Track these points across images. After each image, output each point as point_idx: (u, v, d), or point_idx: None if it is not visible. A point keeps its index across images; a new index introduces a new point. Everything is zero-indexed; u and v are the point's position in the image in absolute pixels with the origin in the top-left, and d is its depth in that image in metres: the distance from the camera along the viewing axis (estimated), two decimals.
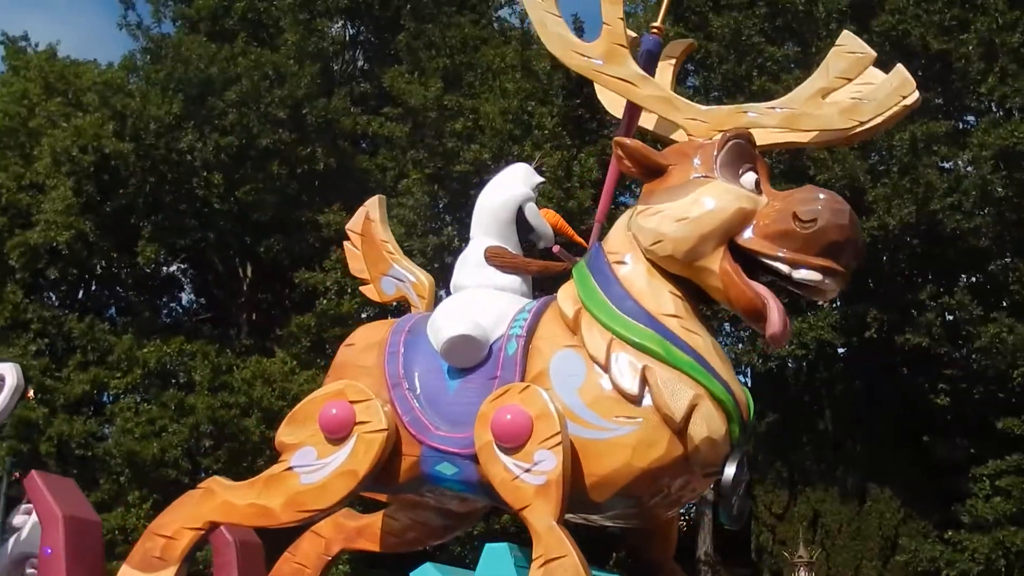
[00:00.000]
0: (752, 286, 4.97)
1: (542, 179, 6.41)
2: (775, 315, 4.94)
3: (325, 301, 26.33)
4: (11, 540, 7.41)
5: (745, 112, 5.52)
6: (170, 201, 27.33)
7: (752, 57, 27.23)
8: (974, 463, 25.09)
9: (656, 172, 5.25)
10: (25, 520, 7.28)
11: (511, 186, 6.05)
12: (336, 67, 31.62)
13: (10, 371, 7.60)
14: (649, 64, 6.09)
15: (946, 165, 26.99)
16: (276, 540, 6.51)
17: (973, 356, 26.37)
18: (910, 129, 24.08)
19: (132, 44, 32.53)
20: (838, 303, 26.44)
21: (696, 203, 5.03)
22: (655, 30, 6.27)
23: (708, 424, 4.92)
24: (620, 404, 4.95)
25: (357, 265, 6.57)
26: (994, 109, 27.48)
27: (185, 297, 32.05)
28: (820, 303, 24.81)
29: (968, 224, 25.03)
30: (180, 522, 5.55)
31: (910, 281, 27.14)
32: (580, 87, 30.96)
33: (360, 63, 32.67)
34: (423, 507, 6.13)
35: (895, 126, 22.25)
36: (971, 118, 28.92)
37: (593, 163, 28.36)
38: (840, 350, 28.55)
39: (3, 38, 31.45)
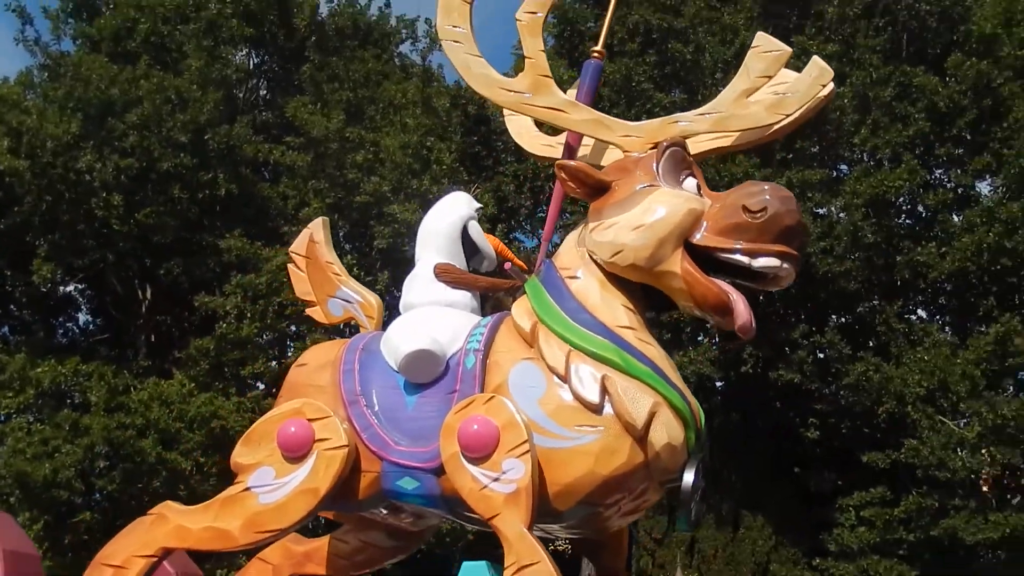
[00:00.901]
0: (715, 282, 5.03)
1: (480, 205, 6.45)
2: (741, 306, 5.01)
3: (225, 325, 26.22)
4: None
5: (676, 122, 5.56)
6: (67, 220, 26.84)
7: (641, 103, 27.59)
8: (841, 494, 25.56)
9: (600, 190, 5.31)
10: None
11: (455, 208, 6.12)
12: (239, 94, 31.45)
13: None
14: (592, 86, 6.21)
15: (820, 211, 27.72)
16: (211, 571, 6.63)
17: (841, 392, 26.90)
18: (787, 175, 24.77)
19: (29, 60, 31.81)
20: (716, 339, 26.97)
21: (648, 211, 5.08)
22: (596, 54, 6.37)
23: (668, 431, 4.96)
24: (581, 413, 4.96)
25: (302, 287, 6.44)
26: (865, 159, 28.38)
27: (82, 317, 31.76)
28: (715, 337, 25.58)
29: (839, 268, 25.76)
30: (130, 550, 5.42)
31: (784, 320, 27.49)
32: (478, 125, 31.59)
33: (263, 92, 32.67)
34: (373, 528, 6.08)
35: (773, 176, 23.69)
36: (844, 167, 29.80)
37: (488, 198, 28.82)
38: (718, 383, 28.71)
39: None
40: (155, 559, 5.42)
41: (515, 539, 4.79)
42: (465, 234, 6.00)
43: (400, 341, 5.44)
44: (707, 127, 5.50)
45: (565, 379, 5.03)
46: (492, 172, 30.32)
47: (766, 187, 5.10)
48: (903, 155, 27.14)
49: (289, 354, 28.25)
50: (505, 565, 4.79)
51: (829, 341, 26.86)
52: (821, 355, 27.65)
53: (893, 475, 25.23)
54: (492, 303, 6.14)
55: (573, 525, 5.35)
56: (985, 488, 25.78)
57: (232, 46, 31.00)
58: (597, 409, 4.94)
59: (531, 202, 31.72)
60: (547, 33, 32.48)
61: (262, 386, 27.69)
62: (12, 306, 29.45)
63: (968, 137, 28.10)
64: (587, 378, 4.96)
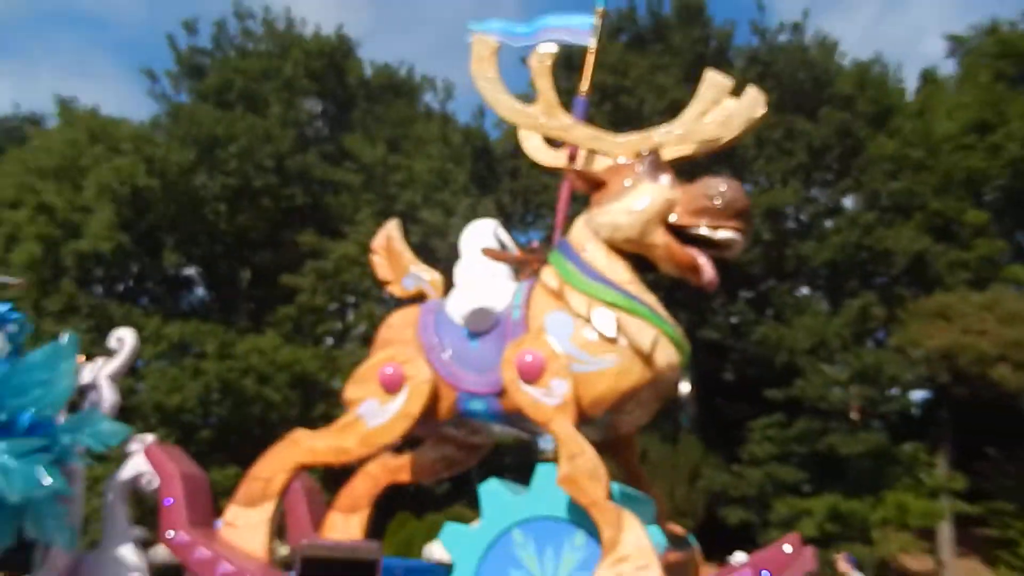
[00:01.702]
0: (687, 249, 5.06)
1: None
2: (707, 266, 5.05)
3: (303, 297, 26.46)
4: (128, 461, 6.75)
5: (651, 136, 5.49)
6: (188, 222, 27.04)
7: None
8: (749, 419, 25.75)
9: (598, 186, 5.34)
10: (139, 447, 6.75)
11: (486, 222, 6.24)
12: (309, 132, 31.55)
13: (129, 334, 7.30)
14: (582, 114, 6.18)
15: None
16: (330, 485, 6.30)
17: (748, 347, 27.02)
18: None
19: (156, 108, 32.01)
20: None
21: (636, 200, 5.12)
22: (583, 93, 6.38)
23: (667, 354, 5.01)
24: (602, 345, 4.95)
25: (382, 272, 6.43)
26: (762, 181, 28.53)
27: (199, 292, 31.54)
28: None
29: (745, 257, 24.98)
30: (275, 466, 5.44)
31: (706, 294, 28.12)
32: (483, 154, 32.08)
33: (326, 130, 32.61)
34: (446, 443, 6.09)
35: None
36: (748, 186, 29.27)
37: (492, 207, 29.32)
38: None
39: (57, 99, 30.93)
40: (293, 472, 5.46)
41: (566, 437, 4.81)
42: (497, 238, 6.07)
43: (465, 302, 5.48)
44: (672, 141, 5.45)
45: (588, 321, 5.03)
46: (493, 188, 30.59)
47: (723, 180, 5.11)
48: (789, 179, 27.62)
49: (349, 318, 28.62)
50: (560, 455, 4.78)
51: (739, 310, 27.34)
52: (734, 320, 27.84)
53: (788, 406, 25.28)
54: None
55: (601, 429, 5.25)
56: (853, 415, 25.91)
57: (303, 97, 31.17)
58: (614, 341, 4.95)
59: (522, 209, 32.22)
60: (529, 87, 33.02)
61: (330, 340, 27.95)
62: (149, 283, 29.33)
63: (836, 167, 28.53)
64: (605, 318, 4.96)
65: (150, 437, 6.88)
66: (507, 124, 33.18)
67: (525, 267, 5.97)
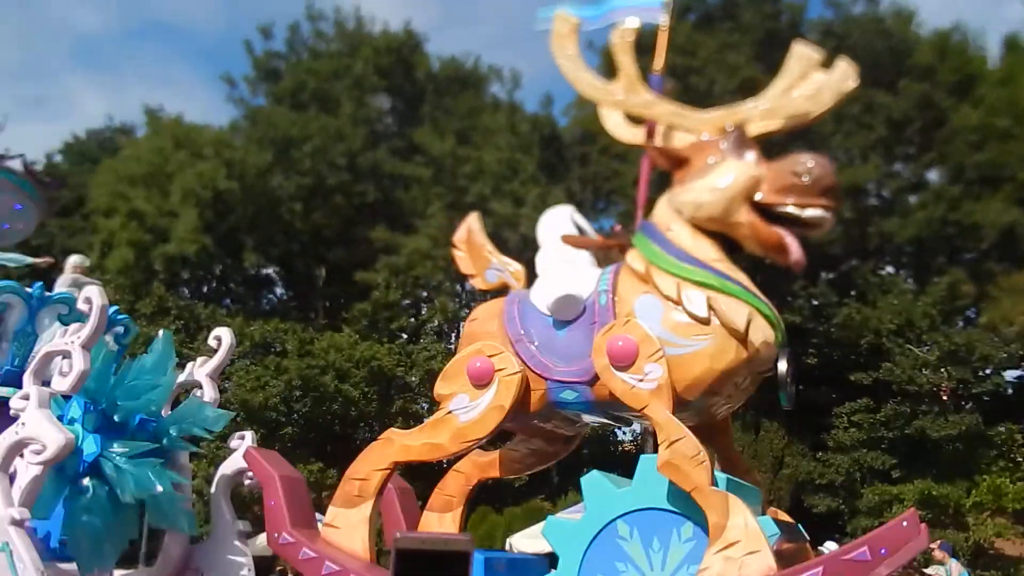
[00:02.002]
0: (773, 228, 4.84)
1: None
2: (794, 245, 4.82)
3: (377, 293, 26.60)
4: (231, 457, 6.85)
5: (736, 112, 5.31)
6: (266, 223, 27.53)
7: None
8: (834, 405, 24.88)
9: (681, 163, 5.13)
10: (240, 443, 6.86)
11: (562, 209, 6.02)
12: (379, 128, 31.71)
13: (226, 333, 7.36)
14: (658, 91, 5.81)
15: None
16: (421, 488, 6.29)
17: (832, 329, 26.15)
18: None
19: (235, 113, 32.97)
20: None
21: (721, 177, 4.91)
22: (657, 70, 6.12)
23: (762, 332, 4.80)
24: (694, 327, 4.76)
25: (465, 265, 6.23)
26: (841, 157, 26.74)
27: (278, 290, 32.06)
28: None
29: (826, 237, 25.06)
30: (370, 466, 5.33)
31: (786, 276, 27.35)
32: (551, 142, 31.60)
33: (396, 126, 32.73)
34: (536, 437, 5.92)
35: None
36: None
37: (562, 195, 28.91)
38: None
39: (145, 109, 31.83)
40: (388, 471, 5.35)
41: (664, 422, 4.62)
42: (574, 223, 5.87)
43: (549, 291, 5.30)
44: (759, 115, 5.24)
45: (678, 303, 4.81)
46: (563, 176, 30.18)
47: (810, 156, 4.88)
48: (869, 154, 26.53)
49: (423, 312, 28.65)
50: (659, 441, 4.58)
51: (821, 292, 26.39)
52: (815, 302, 26.95)
53: (874, 390, 24.36)
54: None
55: (696, 413, 5.04)
56: (944, 397, 24.71)
57: (373, 94, 31.31)
58: (706, 322, 4.75)
59: (592, 196, 31.64)
60: (597, 71, 32.34)
61: (405, 335, 28.05)
62: (231, 284, 30.13)
63: (918, 139, 27.29)
64: (696, 299, 4.76)
65: (250, 435, 6.98)
66: (577, 111, 32.77)
67: (607, 252, 5.77)
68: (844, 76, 5.06)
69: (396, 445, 5.36)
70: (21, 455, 5.41)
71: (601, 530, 4.73)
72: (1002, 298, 24.24)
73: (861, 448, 23.95)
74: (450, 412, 5.19)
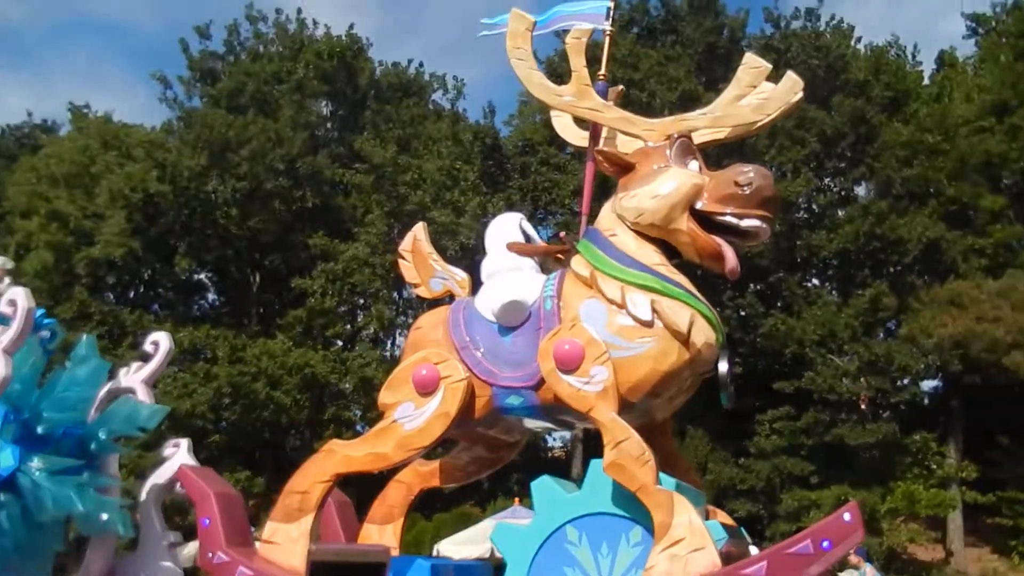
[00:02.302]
0: (711, 237, 4.86)
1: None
2: (730, 254, 4.86)
3: (312, 299, 26.25)
4: (163, 466, 6.66)
5: (683, 119, 5.33)
6: (199, 227, 26.91)
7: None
8: (758, 412, 25.11)
9: (627, 169, 5.12)
10: (174, 451, 6.59)
11: (511, 216, 5.94)
12: (320, 133, 31.31)
13: (164, 338, 7.08)
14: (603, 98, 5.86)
15: None
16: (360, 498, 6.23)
17: (757, 339, 26.32)
18: None
19: (169, 113, 31.86)
20: None
21: (663, 184, 4.91)
22: (602, 76, 6.05)
23: (704, 334, 4.81)
24: (638, 330, 4.75)
25: (410, 274, 6.16)
26: (774, 171, 27.93)
27: (210, 296, 31.63)
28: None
29: (755, 249, 25.49)
30: (311, 479, 5.22)
31: (714, 287, 27.73)
32: (492, 152, 31.37)
33: (337, 131, 32.33)
34: (478, 444, 5.88)
35: None
36: None
37: (501, 204, 28.76)
38: None
39: (70, 106, 30.79)
40: (330, 483, 5.24)
41: (609, 423, 4.59)
42: (522, 230, 5.75)
43: (495, 297, 5.27)
44: (706, 124, 5.25)
45: (622, 306, 4.80)
46: (504, 186, 29.99)
47: (751, 167, 4.90)
48: (801, 168, 26.87)
49: (359, 319, 28.18)
50: (605, 443, 4.56)
51: (748, 302, 26.62)
52: (743, 312, 27.17)
53: (796, 398, 24.71)
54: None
55: (639, 415, 4.99)
56: (863, 406, 25.22)
57: (314, 99, 30.87)
58: (650, 324, 4.74)
59: (531, 206, 31.54)
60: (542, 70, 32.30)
61: (340, 342, 27.64)
62: (160, 290, 29.41)
63: (849, 154, 27.86)
64: (640, 302, 4.75)
65: (184, 442, 6.69)
66: (519, 121, 32.56)
67: (552, 259, 5.77)
68: (792, 88, 5.11)
69: (338, 456, 5.27)
70: None
71: (550, 535, 4.71)
72: (922, 311, 24.85)
73: (782, 455, 24.24)
74: (395, 421, 5.14)
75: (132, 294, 28.33)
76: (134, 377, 6.68)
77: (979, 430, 25.44)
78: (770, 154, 26.48)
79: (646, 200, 4.90)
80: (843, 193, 28.61)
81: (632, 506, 4.53)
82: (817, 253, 26.86)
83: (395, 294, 28.67)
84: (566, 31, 5.93)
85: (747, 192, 4.72)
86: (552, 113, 6.14)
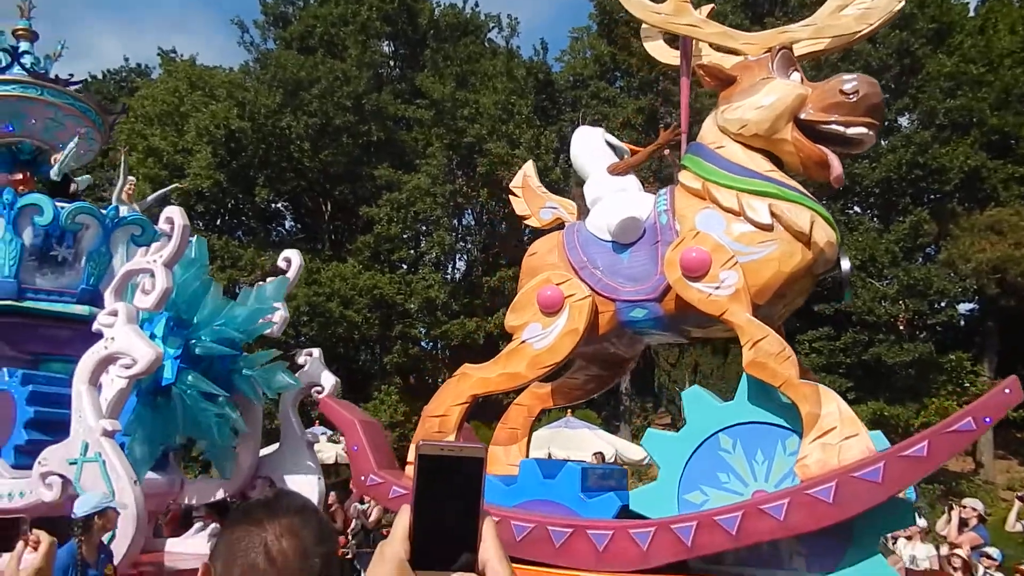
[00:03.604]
0: (817, 145, 4.66)
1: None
2: (835, 162, 4.66)
3: (379, 227, 26.80)
4: (299, 373, 6.75)
5: (785, 31, 5.10)
6: (276, 161, 27.58)
7: (658, 67, 27.14)
8: (799, 332, 24.58)
9: (728, 82, 4.94)
10: (307, 360, 6.71)
11: (591, 132, 5.84)
12: (383, 71, 31.49)
13: (295, 256, 7.47)
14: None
15: None
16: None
17: None
18: None
19: (247, 56, 32.48)
20: None
21: (767, 95, 4.71)
22: None
23: (824, 232, 4.66)
24: (758, 234, 4.60)
25: (520, 207, 6.07)
26: None
27: (287, 224, 32.22)
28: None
29: (796, 178, 24.99)
30: (449, 401, 5.16)
31: None
32: (545, 87, 30.93)
33: (399, 69, 32.51)
34: (594, 363, 5.75)
35: None
36: None
37: (553, 137, 28.53)
38: None
39: (160, 51, 31.63)
40: (468, 404, 5.15)
41: (745, 323, 4.44)
42: (607, 143, 5.70)
43: (611, 216, 5.11)
44: (808, 35, 5.01)
45: (739, 213, 4.63)
46: (555, 119, 30.01)
47: (856, 75, 4.68)
48: None
49: (422, 245, 28.49)
50: (742, 343, 4.43)
51: None
52: None
53: (836, 319, 24.37)
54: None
55: (763, 319, 4.77)
56: (900, 327, 24.97)
57: (377, 39, 30.99)
58: (770, 228, 4.58)
59: None
60: (591, 21, 31.45)
61: (404, 266, 28.11)
62: (243, 218, 30.18)
63: (893, 85, 26.66)
64: (759, 207, 4.58)
65: (318, 352, 6.97)
66: (570, 56, 31.81)
67: (656, 156, 5.76)
68: None
69: (473, 379, 5.18)
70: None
71: (703, 442, 4.54)
72: (962, 237, 24.18)
73: (820, 372, 23.99)
74: (524, 341, 5.02)
75: (218, 222, 29.16)
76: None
77: (1012, 351, 24.86)
78: None
79: (750, 111, 4.72)
80: (887, 124, 27.53)
81: (788, 415, 4.36)
82: (860, 182, 26.25)
83: (455, 221, 28.86)
84: None
85: (853, 100, 4.51)
86: (643, 35, 5.93)
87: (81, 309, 6.38)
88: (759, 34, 5.13)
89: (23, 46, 6.87)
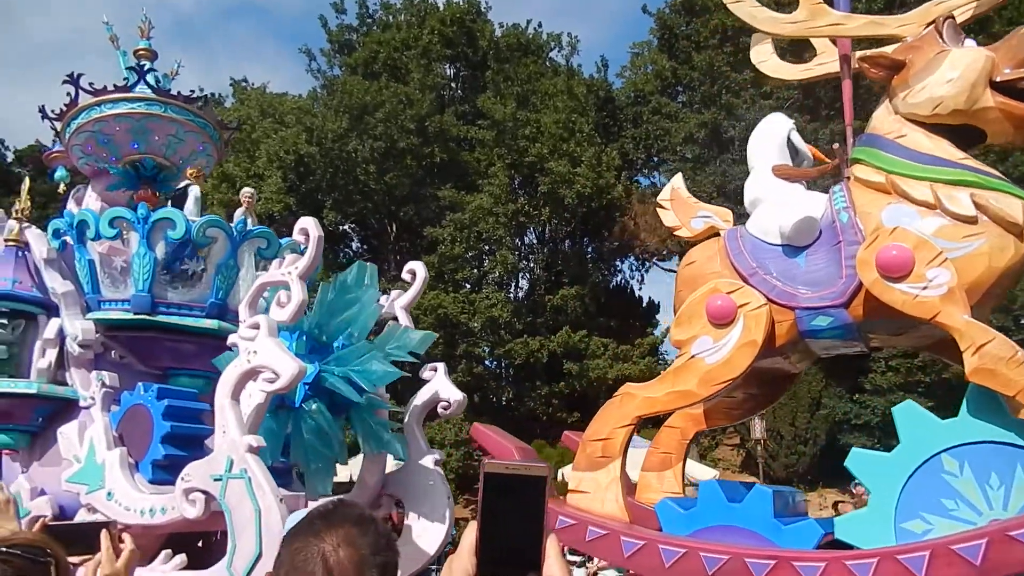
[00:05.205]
0: None
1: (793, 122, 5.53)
2: None
3: (443, 247, 27.04)
4: (423, 388, 6.47)
5: (939, 2, 4.69)
6: (343, 184, 28.05)
7: (721, 81, 26.98)
8: (874, 348, 24.23)
9: (897, 68, 4.55)
10: (432, 375, 6.42)
11: (780, 123, 5.34)
12: (445, 94, 31.87)
13: (420, 267, 6.76)
14: (847, 5, 5.33)
15: None
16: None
17: None
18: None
19: (314, 83, 33.25)
20: None
21: (953, 66, 4.29)
22: None
23: None
24: (961, 228, 4.10)
25: (669, 219, 5.59)
26: None
27: (355, 245, 32.51)
28: None
29: None
30: (612, 424, 4.79)
31: None
32: (606, 104, 30.75)
33: (461, 91, 32.83)
34: (752, 382, 5.24)
35: None
36: None
37: (615, 154, 28.38)
38: None
39: (231, 81, 32.66)
40: (632, 426, 4.77)
41: (963, 326, 3.90)
42: (789, 140, 5.22)
43: (780, 218, 4.68)
44: (963, 1, 4.60)
45: (935, 206, 4.17)
46: (617, 136, 29.74)
47: None
48: None
49: (485, 264, 28.58)
50: (962, 349, 3.90)
51: None
52: None
53: None
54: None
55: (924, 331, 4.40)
56: None
57: (439, 62, 31.44)
58: (974, 220, 4.08)
59: (644, 155, 30.80)
60: (651, 36, 31.21)
61: (468, 285, 28.23)
62: None
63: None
64: (960, 198, 4.10)
65: (442, 367, 6.51)
66: (631, 73, 31.51)
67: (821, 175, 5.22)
68: None
69: (638, 399, 4.81)
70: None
71: (922, 464, 4.03)
72: None
73: (899, 391, 23.19)
74: (694, 356, 4.61)
75: None
76: (396, 303, 6.62)
77: None
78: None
79: (940, 87, 4.28)
80: None
81: None
82: None
83: (517, 240, 28.87)
84: None
85: None
86: (755, 58, 5.59)
87: (210, 323, 6.34)
88: (912, 13, 4.73)
89: (144, 65, 6.96)
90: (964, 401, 3.97)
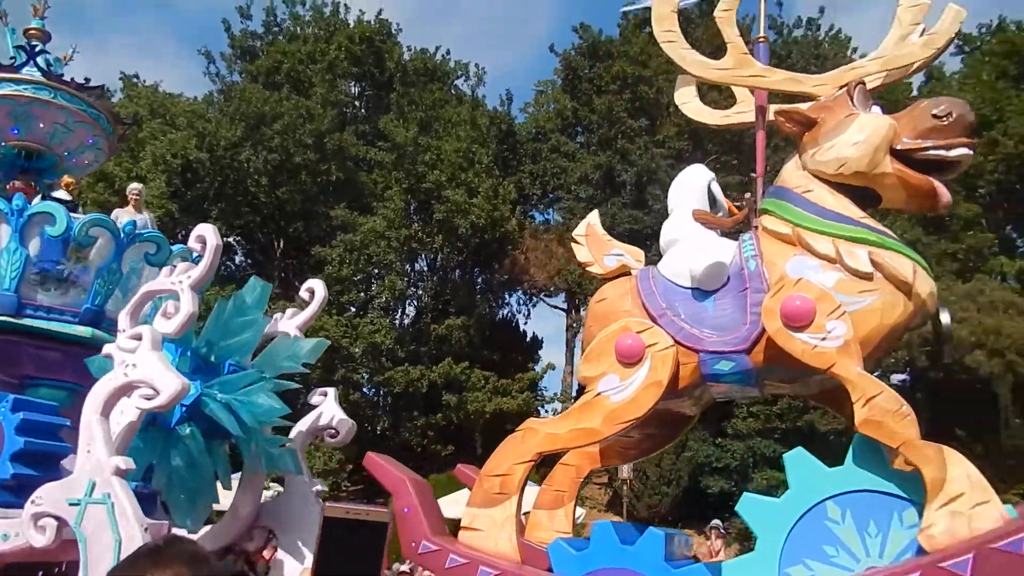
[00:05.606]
0: (920, 175, 4.39)
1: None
2: (942, 189, 4.39)
3: (330, 267, 26.55)
4: (309, 414, 6.11)
5: (854, 67, 4.91)
6: (231, 194, 27.24)
7: (618, 126, 27.70)
8: (775, 396, 25.23)
9: (809, 125, 4.71)
10: (321, 400, 6.16)
11: (701, 174, 5.43)
12: (348, 111, 31.46)
13: (320, 287, 6.43)
14: (765, 60, 5.54)
15: None
16: None
17: None
18: None
19: (211, 87, 32.17)
20: None
21: (859, 131, 4.47)
22: (762, 39, 5.72)
23: (927, 284, 4.32)
24: (858, 283, 4.25)
25: (583, 254, 5.63)
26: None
27: (238, 258, 31.54)
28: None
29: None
30: (512, 460, 4.71)
31: None
32: (507, 137, 31.26)
33: (363, 111, 32.54)
34: (650, 423, 5.23)
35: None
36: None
37: (512, 188, 28.76)
38: None
39: (122, 75, 31.06)
40: (532, 463, 4.70)
41: (856, 378, 4.00)
42: (709, 190, 5.33)
43: (692, 261, 4.78)
44: (878, 67, 4.83)
45: (836, 260, 4.32)
46: (515, 170, 30.17)
47: (943, 99, 4.51)
48: None
49: (372, 288, 28.28)
50: (853, 400, 3.99)
51: None
52: None
53: None
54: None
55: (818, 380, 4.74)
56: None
57: (344, 79, 31.07)
58: (870, 277, 4.24)
59: (540, 191, 31.44)
60: (555, 76, 32.08)
61: (353, 309, 27.82)
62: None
63: None
64: (859, 255, 4.27)
65: (332, 392, 6.25)
66: (533, 109, 32.15)
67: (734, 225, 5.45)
68: (955, 18, 4.77)
69: (540, 435, 4.71)
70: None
71: (807, 511, 4.12)
72: None
73: (756, 436, 24.51)
74: (599, 394, 4.58)
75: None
76: (288, 323, 6.23)
77: (939, 422, 25.46)
78: (771, 162, 26.32)
79: (846, 148, 4.46)
80: None
81: (905, 483, 3.98)
82: None
83: (407, 266, 28.77)
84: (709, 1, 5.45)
85: (948, 122, 4.31)
86: (679, 99, 5.74)
87: (83, 330, 5.78)
88: (827, 74, 4.96)
89: (36, 46, 6.44)
90: (850, 450, 4.09)
